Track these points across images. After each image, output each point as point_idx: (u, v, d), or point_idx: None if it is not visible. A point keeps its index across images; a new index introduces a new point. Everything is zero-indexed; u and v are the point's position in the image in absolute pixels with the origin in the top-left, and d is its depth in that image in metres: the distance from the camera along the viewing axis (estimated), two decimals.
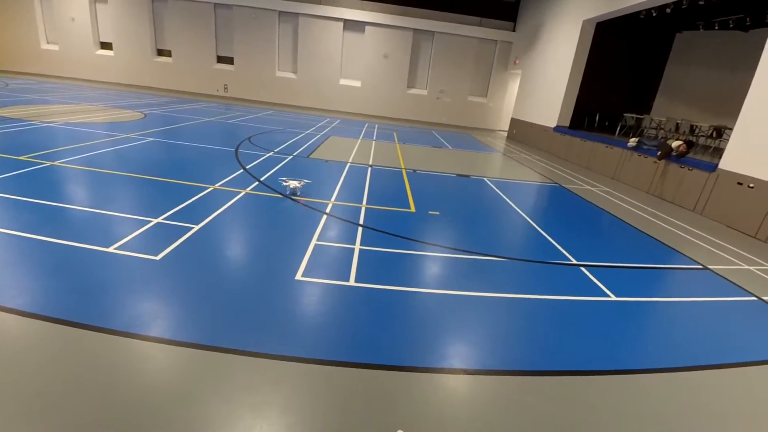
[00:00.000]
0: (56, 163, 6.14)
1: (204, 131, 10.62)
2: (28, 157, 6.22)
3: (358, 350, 2.72)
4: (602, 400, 2.50)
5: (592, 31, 13.12)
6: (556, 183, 9.36)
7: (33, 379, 2.16)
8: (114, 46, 21.38)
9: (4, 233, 3.74)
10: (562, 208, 7.31)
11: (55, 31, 21.49)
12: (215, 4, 20.05)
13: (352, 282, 3.60)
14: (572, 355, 2.92)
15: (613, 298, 3.86)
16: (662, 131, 11.79)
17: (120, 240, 3.84)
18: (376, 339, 2.86)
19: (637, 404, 2.49)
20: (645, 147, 9.84)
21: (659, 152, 8.93)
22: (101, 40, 21.63)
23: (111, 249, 3.65)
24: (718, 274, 4.78)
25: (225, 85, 21.50)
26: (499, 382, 2.58)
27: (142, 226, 4.21)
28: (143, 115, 11.90)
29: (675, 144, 8.69)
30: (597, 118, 14.62)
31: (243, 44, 20.64)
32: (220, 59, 21.33)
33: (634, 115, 12.87)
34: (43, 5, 21.31)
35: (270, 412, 2.15)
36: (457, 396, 2.44)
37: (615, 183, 10.21)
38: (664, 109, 14.40)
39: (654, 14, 10.95)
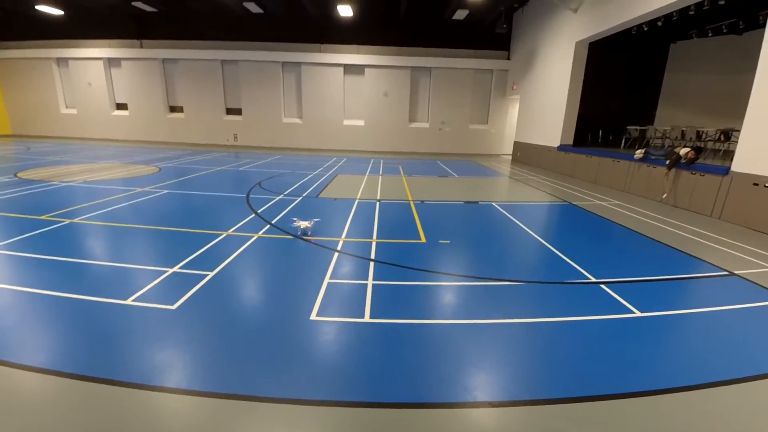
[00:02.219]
0: (75, 220, 6.35)
1: (216, 180, 10.93)
2: (48, 216, 6.45)
3: (376, 389, 2.65)
4: (640, 422, 2.37)
5: (586, 51, 13.42)
6: (566, 201, 9.29)
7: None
8: (129, 106, 22.57)
9: (25, 291, 3.83)
10: (575, 226, 7.22)
11: (74, 95, 22.85)
12: (222, 60, 21.18)
13: (367, 318, 3.56)
14: (602, 378, 2.80)
15: (638, 314, 3.73)
16: (668, 140, 11.76)
17: (137, 292, 3.89)
18: (394, 376, 2.79)
19: (674, 423, 2.35)
20: (653, 157, 9.80)
21: (668, 161, 8.86)
22: (117, 102, 22.87)
23: (128, 301, 3.69)
24: (746, 279, 4.61)
25: (234, 134, 22.32)
26: (526, 413, 2.47)
27: (159, 277, 4.27)
28: (158, 169, 12.33)
29: (683, 151, 8.63)
30: (600, 133, 14.69)
31: (250, 95, 21.60)
32: (229, 111, 22.28)
33: (638, 127, 12.90)
34: (62, 72, 22.80)
35: None
36: (482, 430, 2.34)
37: (626, 195, 10.10)
38: (668, 118, 14.43)
39: (645, 29, 11.20)
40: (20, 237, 5.45)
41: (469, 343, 3.22)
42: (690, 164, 8.45)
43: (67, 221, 6.28)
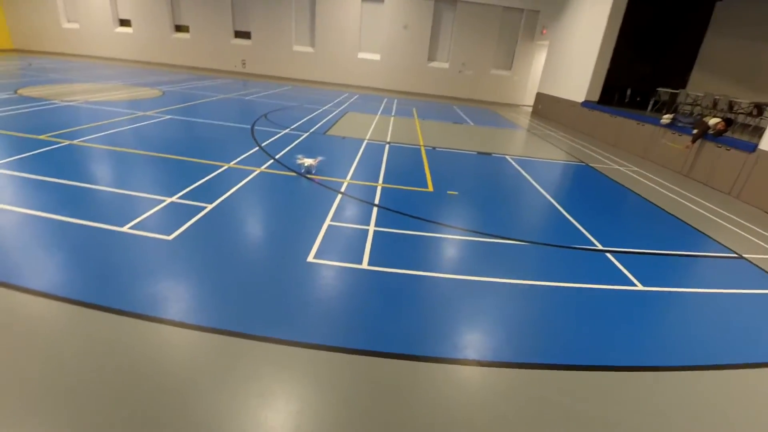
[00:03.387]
0: (75, 142, 6.18)
1: (221, 108, 10.55)
2: (47, 136, 6.28)
3: (366, 337, 2.64)
4: (623, 396, 2.36)
5: (626, 0, 12.24)
6: (582, 162, 8.95)
7: (45, 357, 2.16)
8: (132, 23, 21.34)
9: (22, 213, 3.77)
10: (588, 189, 6.97)
11: (75, 9, 21.57)
12: None
13: (364, 265, 3.50)
14: (593, 348, 2.77)
15: (639, 287, 3.64)
16: (698, 107, 11.06)
17: (134, 219, 3.82)
18: (385, 325, 2.76)
19: (659, 402, 2.33)
20: (680, 124, 9.26)
21: (695, 130, 8.37)
22: (120, 17, 21.60)
23: (125, 228, 3.64)
24: (754, 264, 4.47)
25: (243, 60, 21.30)
26: (513, 375, 2.46)
27: (157, 206, 4.19)
28: (162, 93, 11.91)
29: (713, 121, 8.11)
30: (628, 93, 13.82)
31: (260, 17, 20.26)
32: (238, 34, 21.05)
33: (669, 90, 12.07)
34: None
35: (275, 399, 2.09)
36: (468, 388, 2.33)
37: (645, 162, 9.70)
38: (701, 84, 13.47)
39: None
40: (19, 156, 5.32)
41: (466, 300, 3.17)
42: (717, 136, 7.96)
43: (66, 142, 6.11)
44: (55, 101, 9.12)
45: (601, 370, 2.57)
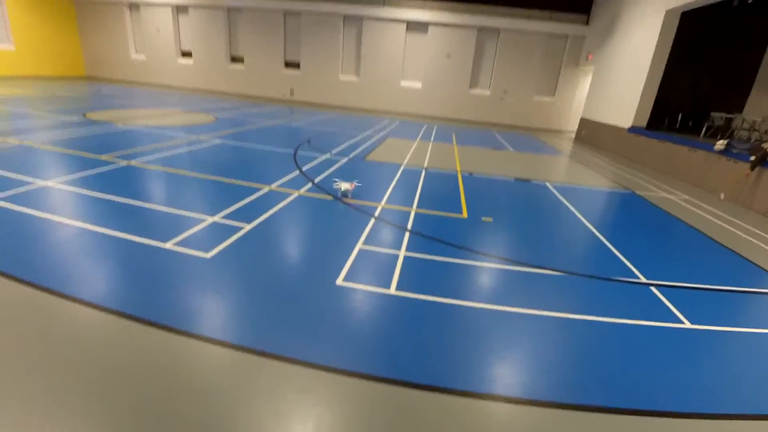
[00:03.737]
0: (132, 162, 6.72)
1: (267, 133, 11.11)
2: (108, 156, 6.89)
3: (389, 364, 2.61)
4: None
5: (676, 22, 11.83)
6: (629, 189, 8.54)
7: (82, 362, 2.32)
8: (194, 54, 23.22)
9: (77, 225, 4.12)
10: (634, 218, 6.62)
11: (143, 41, 23.85)
12: (285, 11, 21.00)
13: (392, 290, 3.49)
14: (633, 391, 2.58)
15: (687, 325, 3.38)
16: (756, 133, 10.33)
17: (177, 236, 4.07)
18: (409, 353, 2.73)
19: None
20: (735, 151, 8.66)
21: (752, 157, 7.80)
22: (182, 49, 23.58)
23: (168, 245, 3.87)
24: None
25: (291, 89, 22.43)
26: (543, 414, 2.33)
27: (199, 224, 4.44)
28: (215, 119, 12.73)
29: None
30: (679, 117, 13.18)
31: (309, 49, 21.42)
32: (288, 64, 22.30)
33: (723, 114, 11.37)
34: (133, 17, 23.77)
35: (293, 421, 2.11)
36: (494, 425, 2.23)
37: (697, 191, 9.10)
38: (760, 108, 12.60)
39: (749, 0, 9.63)
40: (81, 174, 5.87)
41: (496, 331, 3.08)
42: None
43: (125, 163, 6.66)
44: (119, 125, 10.01)
45: (641, 414, 2.38)
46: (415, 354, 2.73)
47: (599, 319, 3.35)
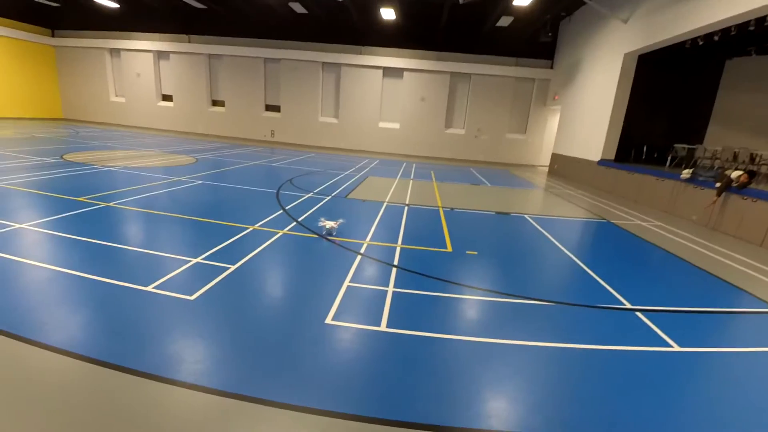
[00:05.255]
0: (111, 204, 6.58)
1: (249, 174, 11.13)
2: (86, 198, 6.74)
3: (383, 404, 2.53)
4: None
5: (635, 63, 12.80)
6: (604, 218, 8.84)
7: (53, 411, 2.16)
8: (174, 98, 23.48)
9: (52, 270, 3.95)
10: (612, 246, 6.82)
11: (123, 85, 24.08)
12: (265, 58, 21.68)
13: (383, 327, 3.44)
14: (631, 419, 2.57)
15: (676, 348, 3.43)
16: (718, 161, 11.02)
17: (159, 279, 3.94)
18: (405, 392, 2.66)
19: None
20: (701, 178, 9.20)
21: (718, 184, 8.28)
22: (163, 93, 23.84)
23: (149, 288, 3.74)
24: None
25: (272, 130, 22.77)
26: None
27: (182, 266, 4.32)
28: (195, 160, 12.71)
29: (735, 174, 8.05)
30: (644, 149, 13.97)
31: (289, 93, 22.02)
32: (268, 107, 22.79)
33: (686, 146, 12.14)
34: (114, 62, 24.12)
35: None
36: None
37: (668, 217, 9.51)
38: (719, 138, 13.54)
39: (701, 43, 10.56)
40: (57, 216, 5.71)
41: (488, 365, 3.05)
42: (742, 188, 7.86)
43: (103, 204, 6.52)
44: (97, 166, 9.87)
45: None
46: (409, 391, 2.66)
47: (588, 347, 3.37)
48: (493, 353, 3.20)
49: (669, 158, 12.57)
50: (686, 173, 9.54)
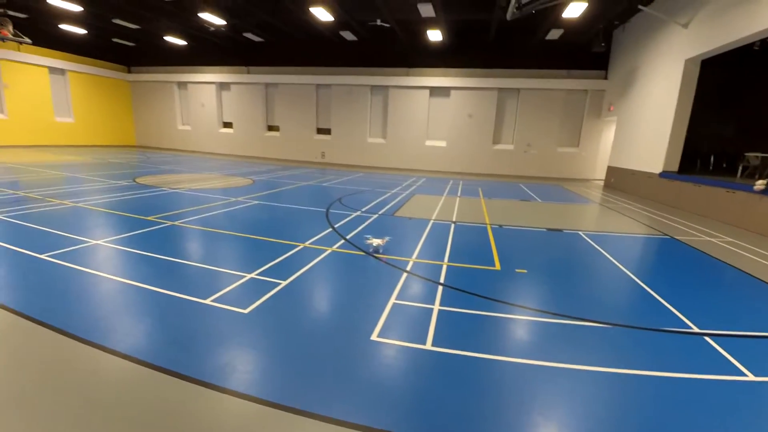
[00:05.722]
0: (176, 223, 7.16)
1: (301, 194, 11.62)
2: (154, 218, 7.40)
3: (427, 424, 2.52)
4: None
5: (697, 69, 11.99)
6: (667, 235, 8.23)
7: (117, 417, 2.38)
8: (234, 124, 25.27)
9: (123, 282, 4.36)
10: (677, 264, 6.33)
11: (189, 114, 26.36)
12: (317, 84, 22.80)
13: (428, 345, 3.44)
14: None
15: (751, 377, 3.11)
16: None
17: (217, 293, 4.22)
18: (449, 413, 2.63)
19: None
20: None
21: None
22: (224, 120, 25.73)
23: (207, 301, 4.02)
24: None
25: (322, 152, 23.69)
26: None
27: (238, 281, 4.60)
28: (252, 181, 13.49)
29: None
30: (712, 159, 12.93)
31: (339, 116, 22.92)
32: (320, 130, 23.85)
33: (759, 154, 11.07)
34: (181, 94, 26.50)
35: None
36: None
37: (741, 232, 8.66)
38: None
39: None
40: (128, 234, 6.32)
41: (537, 388, 2.94)
42: None
43: (169, 223, 7.11)
44: (164, 188, 10.80)
45: None
46: (453, 412, 2.63)
47: (652, 374, 3.14)
48: (543, 376, 3.08)
49: (740, 168, 11.53)
50: (760, 184, 8.69)
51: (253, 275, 4.82)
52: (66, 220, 6.99)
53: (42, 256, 5.07)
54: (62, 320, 3.51)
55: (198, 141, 26.35)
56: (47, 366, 2.89)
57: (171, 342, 3.28)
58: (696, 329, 3.92)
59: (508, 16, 9.78)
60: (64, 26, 20.44)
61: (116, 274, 4.66)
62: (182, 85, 26.14)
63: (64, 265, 4.81)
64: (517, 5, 9.23)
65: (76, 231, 6.29)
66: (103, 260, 5.13)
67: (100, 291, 4.19)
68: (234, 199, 9.89)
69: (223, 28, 19.10)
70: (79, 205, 8.20)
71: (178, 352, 3.14)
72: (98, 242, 5.81)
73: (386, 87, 21.78)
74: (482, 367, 3.16)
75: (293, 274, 4.96)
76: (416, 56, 20.89)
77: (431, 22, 16.55)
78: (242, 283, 4.56)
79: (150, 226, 6.83)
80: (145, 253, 5.43)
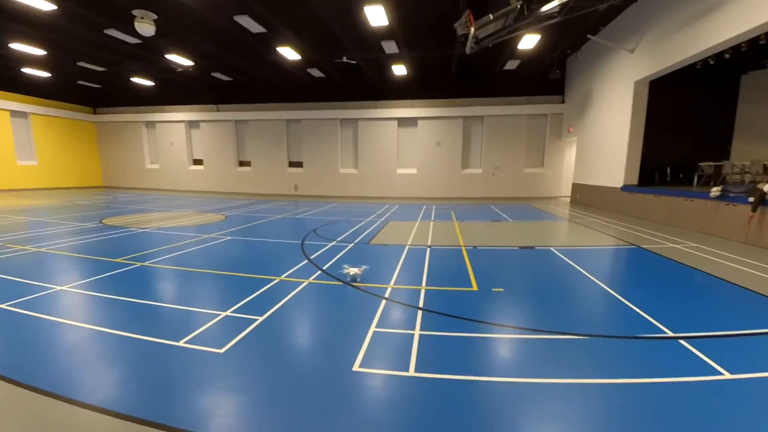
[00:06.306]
0: (146, 263, 6.89)
1: (275, 227, 11.47)
2: (122, 259, 7.10)
3: None
4: None
5: (646, 89, 12.88)
6: (634, 244, 8.55)
7: None
8: (204, 161, 25.00)
9: (90, 329, 4.12)
10: (647, 272, 6.55)
11: (158, 153, 25.96)
12: (287, 120, 23.06)
13: (411, 372, 3.38)
14: None
15: (727, 375, 3.20)
16: (748, 175, 10.65)
17: (190, 334, 4.04)
18: None
19: None
20: (732, 194, 8.89)
21: (751, 199, 7.98)
22: (194, 158, 25.42)
23: (180, 343, 3.84)
24: None
25: (295, 185, 23.66)
26: None
27: (212, 320, 4.43)
28: (224, 217, 13.24)
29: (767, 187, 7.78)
30: (668, 171, 13.73)
31: (310, 149, 23.17)
32: (291, 164, 23.90)
33: (712, 163, 11.86)
34: (149, 133, 26.20)
35: None
36: None
37: (703, 237, 9.11)
38: (745, 153, 13.19)
39: (711, 62, 10.60)
40: (95, 278, 6.02)
41: (524, 405, 2.92)
42: None
43: (138, 264, 6.84)
44: (133, 228, 10.44)
45: None
46: None
47: (631, 381, 3.18)
48: (526, 393, 3.07)
49: (695, 177, 12.26)
50: (715, 191, 9.26)
51: (228, 313, 4.66)
52: (28, 266, 6.62)
53: (2, 306, 4.75)
54: (28, 376, 3.26)
55: (168, 179, 25.82)
56: (16, 428, 2.66)
57: (145, 389, 3.09)
58: (670, 333, 4.03)
59: (468, 50, 10.30)
60: (26, 70, 20.02)
61: (83, 320, 4.40)
62: (150, 124, 25.83)
63: (27, 314, 4.52)
64: (474, 40, 9.75)
65: (38, 277, 5.95)
66: (69, 307, 4.85)
67: (67, 340, 3.93)
68: (206, 236, 9.65)
69: (191, 69, 19.17)
70: (41, 249, 7.80)
71: (153, 399, 2.95)
72: (63, 288, 5.51)
73: (356, 119, 22.25)
74: (467, 389, 3.12)
75: (270, 309, 4.82)
76: (383, 89, 21.54)
77: (396, 58, 17.19)
78: (217, 322, 4.39)
79: (118, 269, 6.55)
80: (113, 297, 5.17)
